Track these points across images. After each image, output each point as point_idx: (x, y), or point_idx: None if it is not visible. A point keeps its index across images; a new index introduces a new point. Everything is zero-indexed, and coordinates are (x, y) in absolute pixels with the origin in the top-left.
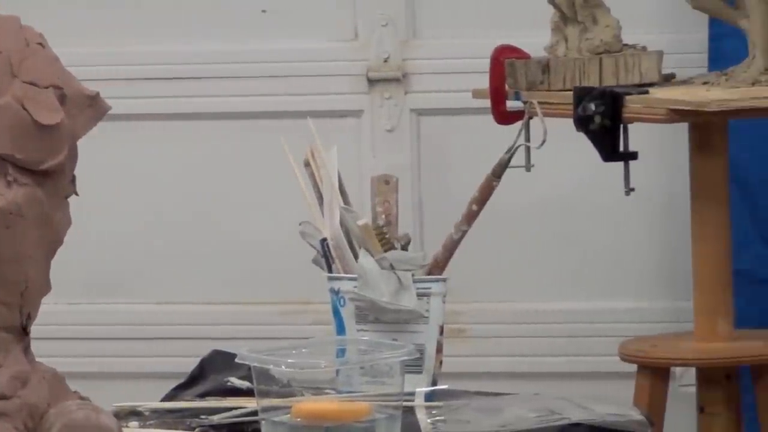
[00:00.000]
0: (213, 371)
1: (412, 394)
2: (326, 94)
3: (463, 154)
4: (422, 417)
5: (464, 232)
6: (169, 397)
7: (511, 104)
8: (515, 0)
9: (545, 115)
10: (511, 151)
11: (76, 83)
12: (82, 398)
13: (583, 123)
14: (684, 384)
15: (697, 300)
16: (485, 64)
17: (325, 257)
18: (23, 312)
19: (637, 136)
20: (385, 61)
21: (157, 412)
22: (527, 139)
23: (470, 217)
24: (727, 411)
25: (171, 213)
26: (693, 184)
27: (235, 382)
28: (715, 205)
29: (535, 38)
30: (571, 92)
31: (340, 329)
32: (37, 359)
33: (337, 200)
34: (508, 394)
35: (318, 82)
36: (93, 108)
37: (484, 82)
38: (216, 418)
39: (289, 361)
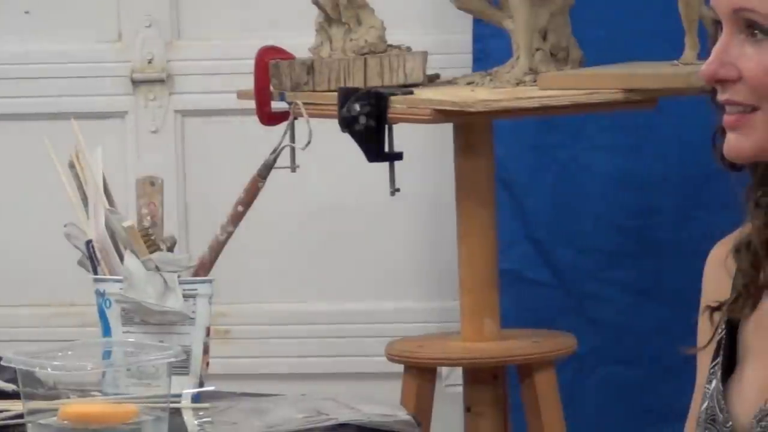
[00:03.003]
0: None
1: (179, 395)
2: (90, 95)
3: (229, 155)
4: (189, 418)
5: (230, 233)
6: None
7: (276, 105)
8: (279, 1)
9: (310, 115)
10: (277, 152)
11: None
12: None
13: (348, 123)
14: (451, 384)
15: (464, 300)
16: (250, 65)
17: (91, 259)
18: None
19: (403, 136)
20: (150, 62)
21: None
22: (292, 140)
23: (236, 218)
24: (493, 410)
25: None
26: (458, 184)
27: (1, 384)
28: (480, 205)
29: (299, 39)
30: (336, 93)
31: (106, 331)
32: None
33: (102, 202)
34: (275, 395)
35: (82, 84)
36: None
37: (248, 83)
38: None
39: (54, 363)
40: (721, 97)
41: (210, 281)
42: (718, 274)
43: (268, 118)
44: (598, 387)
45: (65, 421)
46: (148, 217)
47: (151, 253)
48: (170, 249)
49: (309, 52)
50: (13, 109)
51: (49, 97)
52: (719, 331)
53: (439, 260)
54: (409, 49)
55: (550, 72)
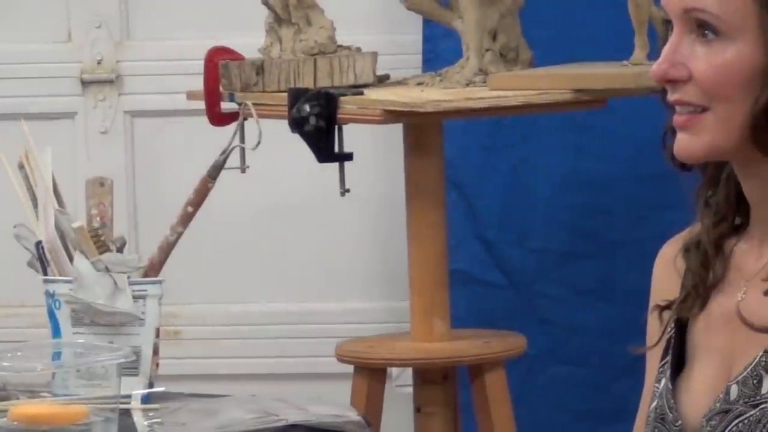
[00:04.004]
0: None
1: (129, 396)
2: (40, 96)
3: (178, 156)
4: (139, 419)
5: (180, 234)
6: None
7: (226, 106)
8: (229, 1)
9: (260, 116)
10: (226, 153)
11: None
12: None
13: (298, 124)
14: (401, 384)
15: (414, 300)
16: (199, 65)
17: (41, 260)
18: None
19: (353, 137)
20: (99, 62)
21: None
22: (242, 141)
23: (185, 218)
24: (444, 410)
25: None
26: (408, 184)
27: None
28: (430, 205)
29: (249, 39)
30: (286, 93)
31: (56, 332)
32: None
33: (51, 203)
34: (225, 396)
35: (31, 84)
36: None
37: (198, 84)
38: None
39: (4, 364)
40: (672, 97)
41: (160, 282)
42: (667, 273)
43: (218, 118)
44: (548, 387)
45: (15, 422)
46: (98, 218)
47: (100, 253)
48: (120, 250)
49: (259, 53)
50: None
51: None
52: (668, 330)
53: (389, 260)
54: (359, 49)
55: (499, 72)
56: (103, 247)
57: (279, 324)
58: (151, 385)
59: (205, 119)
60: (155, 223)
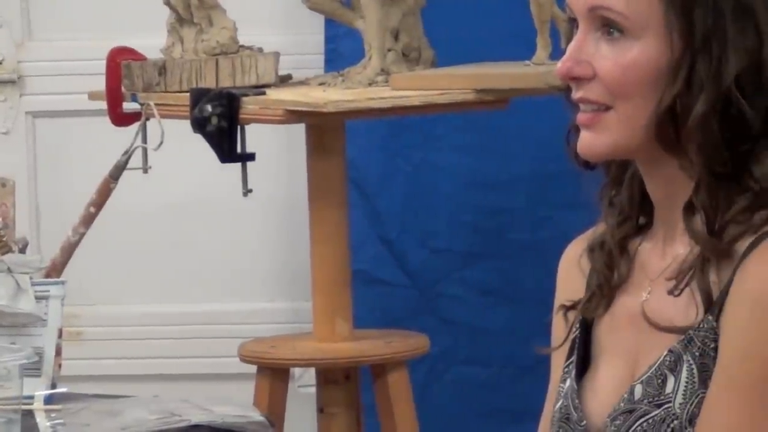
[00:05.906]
0: None
1: (31, 397)
2: None
3: (81, 156)
4: (42, 420)
5: (82, 235)
6: None
7: (128, 106)
8: (131, 2)
9: (162, 116)
10: (128, 153)
11: None
12: None
13: (200, 124)
14: (304, 384)
15: (316, 300)
16: (101, 66)
17: None
18: None
19: (255, 137)
20: (0, 63)
21: None
22: (144, 141)
23: (88, 219)
24: (346, 410)
25: None
26: (311, 185)
27: None
28: (333, 205)
29: (151, 40)
30: (188, 93)
31: None
32: None
33: None
34: (128, 396)
35: None
36: None
37: (100, 84)
38: None
39: None
40: (576, 95)
41: (62, 283)
42: (572, 274)
43: (120, 119)
44: (451, 387)
45: None
46: (0, 219)
47: (2, 254)
48: (22, 250)
49: (161, 53)
50: None
51: None
52: (573, 330)
53: (291, 261)
54: (261, 49)
55: (402, 72)
56: (5, 248)
57: (182, 324)
58: (53, 386)
59: (107, 119)
60: (57, 224)
